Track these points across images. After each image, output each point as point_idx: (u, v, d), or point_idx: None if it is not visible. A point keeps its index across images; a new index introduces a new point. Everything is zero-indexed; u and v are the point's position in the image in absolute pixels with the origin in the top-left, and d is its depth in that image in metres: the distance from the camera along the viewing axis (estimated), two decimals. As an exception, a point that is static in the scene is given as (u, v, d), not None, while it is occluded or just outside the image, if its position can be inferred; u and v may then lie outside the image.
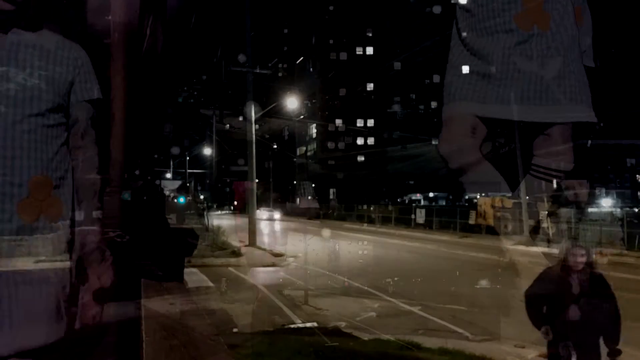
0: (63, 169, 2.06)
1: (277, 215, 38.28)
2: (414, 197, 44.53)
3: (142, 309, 5.47)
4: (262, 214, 36.08)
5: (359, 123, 50.78)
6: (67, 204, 2.06)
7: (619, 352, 3.51)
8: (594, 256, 3.72)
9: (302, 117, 46.97)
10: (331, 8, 50.49)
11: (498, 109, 2.71)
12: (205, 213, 20.78)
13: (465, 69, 2.79)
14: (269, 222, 33.83)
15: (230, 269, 12.63)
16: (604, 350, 3.57)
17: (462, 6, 2.68)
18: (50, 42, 2.05)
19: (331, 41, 52.06)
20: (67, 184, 2.07)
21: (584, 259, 3.60)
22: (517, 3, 2.57)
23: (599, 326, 3.58)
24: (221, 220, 24.66)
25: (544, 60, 2.60)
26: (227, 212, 43.72)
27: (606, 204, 29.75)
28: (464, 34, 2.69)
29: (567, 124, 2.79)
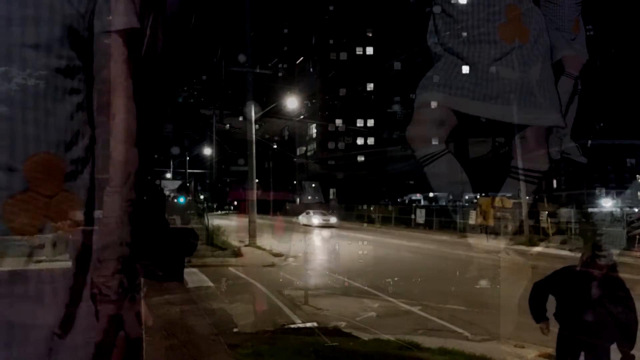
0: (81, 145, 1.34)
1: (333, 219, 28.18)
2: (414, 197, 44.46)
3: (142, 309, 5.46)
4: (311, 218, 28.32)
5: (359, 123, 50.77)
6: (86, 199, 1.38)
7: (633, 357, 3.48)
8: (615, 260, 3.68)
9: (302, 117, 46.97)
10: (331, 8, 50.47)
11: (479, 106, 2.89)
12: (205, 213, 20.79)
13: (452, 69, 2.97)
14: (321, 231, 24.95)
15: (230, 268, 12.63)
16: (617, 353, 3.54)
17: (445, 12, 2.85)
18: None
19: (331, 41, 52.05)
20: (88, 172, 1.39)
21: (604, 262, 3.56)
22: (502, 14, 2.78)
23: (613, 329, 3.55)
24: (223, 220, 24.65)
25: (525, 67, 2.84)
26: (228, 212, 43.74)
27: (606, 204, 29.71)
28: (449, 40, 2.88)
29: (542, 127, 3.00)
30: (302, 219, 29.57)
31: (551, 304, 3.82)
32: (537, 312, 3.77)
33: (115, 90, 1.46)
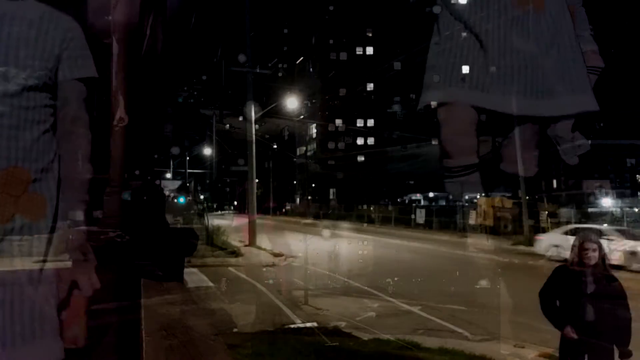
0: (46, 159, 1.81)
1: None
2: (414, 197, 44.45)
3: (142, 309, 5.46)
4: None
5: (359, 123, 50.72)
6: (52, 200, 1.81)
7: (630, 354, 3.47)
8: (605, 252, 3.66)
9: (302, 117, 46.96)
10: (331, 8, 50.43)
11: (499, 100, 2.66)
12: (205, 213, 20.77)
13: (459, 54, 2.73)
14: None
15: (230, 268, 12.63)
16: (615, 351, 3.53)
17: None
18: (34, 12, 1.82)
19: (331, 41, 52.01)
20: (53, 177, 1.83)
21: (595, 255, 3.55)
22: None
23: (610, 326, 3.54)
24: (223, 220, 24.62)
25: (541, 45, 2.57)
26: (228, 212, 43.70)
27: (606, 203, 29.70)
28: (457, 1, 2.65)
29: (535, 126, 2.79)
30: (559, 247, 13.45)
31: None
32: (555, 319, 3.70)
33: (76, 121, 1.92)
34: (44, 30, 1.80)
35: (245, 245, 16.88)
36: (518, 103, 2.64)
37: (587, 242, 3.60)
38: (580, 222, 19.52)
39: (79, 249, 1.86)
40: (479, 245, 18.18)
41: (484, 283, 10.12)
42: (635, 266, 12.15)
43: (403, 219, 29.18)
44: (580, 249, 3.58)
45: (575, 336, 3.57)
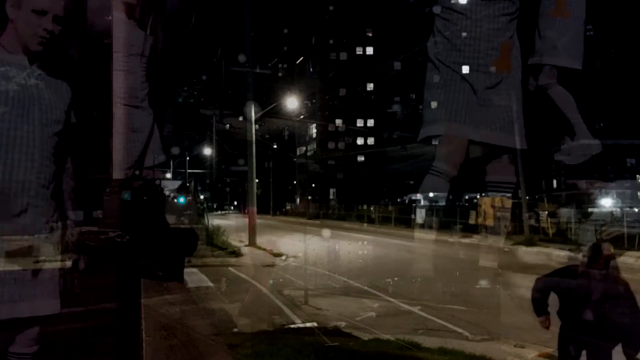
0: (52, 172, 2.60)
1: None
2: (414, 197, 44.42)
3: (142, 309, 5.46)
4: None
5: (359, 123, 50.70)
6: (57, 203, 2.37)
7: None
8: (617, 258, 3.68)
9: (302, 117, 46.91)
10: (331, 8, 50.39)
11: (486, 133, 3.60)
12: (205, 213, 20.76)
13: (455, 91, 3.60)
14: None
15: (230, 268, 12.63)
16: (621, 356, 3.53)
17: (447, 38, 3.42)
18: (58, 80, 2.91)
19: (331, 41, 51.99)
20: (57, 186, 2.53)
21: (608, 261, 3.55)
22: (497, 50, 3.43)
23: (616, 330, 3.53)
24: (223, 220, 24.60)
25: (511, 94, 3.47)
26: (228, 211, 43.71)
27: (606, 203, 29.70)
28: (450, 59, 3.50)
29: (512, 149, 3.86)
30: None
31: (554, 301, 3.82)
32: (538, 306, 3.81)
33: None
34: (63, 93, 2.94)
35: (245, 245, 16.88)
36: (487, 133, 3.61)
37: (602, 245, 3.64)
38: (580, 223, 19.51)
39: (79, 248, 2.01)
40: (479, 245, 18.16)
41: (483, 283, 10.12)
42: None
43: (403, 219, 29.17)
44: (594, 252, 3.60)
45: (547, 326, 3.73)
